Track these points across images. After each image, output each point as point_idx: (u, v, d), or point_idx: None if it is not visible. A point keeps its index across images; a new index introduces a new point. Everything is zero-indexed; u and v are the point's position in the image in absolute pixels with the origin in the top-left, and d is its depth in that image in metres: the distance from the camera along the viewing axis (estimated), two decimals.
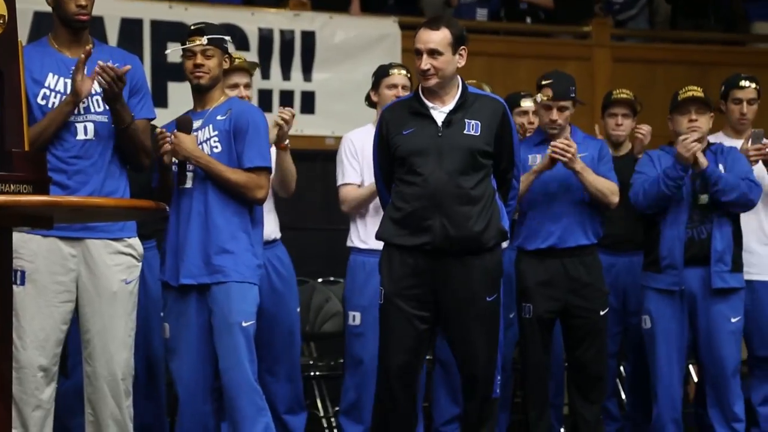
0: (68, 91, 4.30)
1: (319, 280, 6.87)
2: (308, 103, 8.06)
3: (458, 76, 4.64)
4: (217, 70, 4.77)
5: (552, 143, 5.41)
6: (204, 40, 4.74)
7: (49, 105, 4.30)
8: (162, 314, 4.92)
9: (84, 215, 3.56)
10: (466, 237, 4.53)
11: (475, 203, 4.55)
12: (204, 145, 4.73)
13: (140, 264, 4.51)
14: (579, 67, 8.54)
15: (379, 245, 4.73)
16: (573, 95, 5.50)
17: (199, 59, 4.74)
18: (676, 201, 5.55)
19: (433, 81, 4.54)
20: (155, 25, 7.73)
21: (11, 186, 2.91)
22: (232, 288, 4.66)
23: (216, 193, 4.68)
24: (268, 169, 4.80)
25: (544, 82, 5.50)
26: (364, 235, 5.47)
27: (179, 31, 7.65)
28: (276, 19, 8.09)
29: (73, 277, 4.34)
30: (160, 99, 7.22)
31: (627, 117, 6.11)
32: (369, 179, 5.31)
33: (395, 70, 5.57)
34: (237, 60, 5.26)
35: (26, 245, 4.23)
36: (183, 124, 4.70)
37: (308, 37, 8.07)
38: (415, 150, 4.55)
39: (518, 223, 5.62)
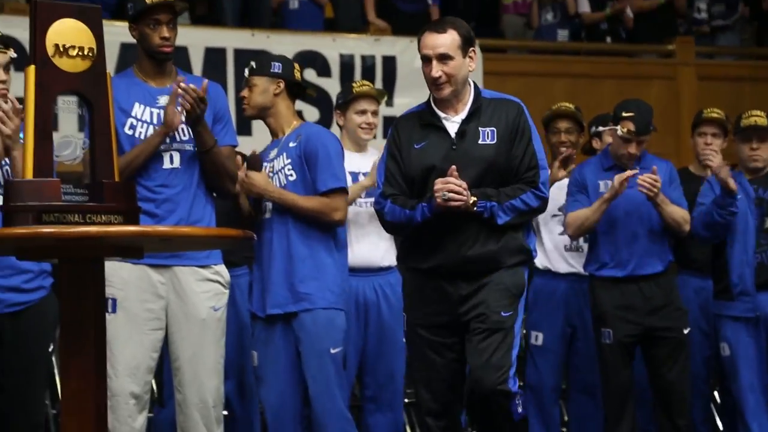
0: (154, 121, 4.37)
1: None
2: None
3: (470, 81, 4.31)
4: (260, 98, 4.74)
5: (640, 177, 5.31)
6: (245, 72, 4.76)
7: (136, 135, 4.37)
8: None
9: (173, 244, 3.59)
10: (481, 257, 4.21)
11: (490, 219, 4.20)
12: (279, 174, 4.72)
13: (227, 291, 4.53)
14: (663, 87, 8.46)
15: None
16: (653, 128, 5.45)
17: (244, 92, 4.78)
18: (742, 226, 5.46)
19: (447, 90, 4.20)
20: (238, 53, 7.82)
21: (102, 216, 2.92)
22: (319, 315, 4.64)
23: (295, 222, 4.66)
24: (344, 190, 4.75)
25: (625, 115, 5.40)
26: None
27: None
28: (357, 45, 8.13)
29: (163, 304, 4.38)
30: (244, 127, 7.26)
31: (717, 137, 5.99)
32: None
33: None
34: (365, 87, 5.30)
35: (117, 273, 4.28)
36: (252, 161, 4.72)
37: (389, 62, 8.09)
38: (428, 166, 4.21)
39: (590, 248, 5.58)
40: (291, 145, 4.72)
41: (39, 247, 2.95)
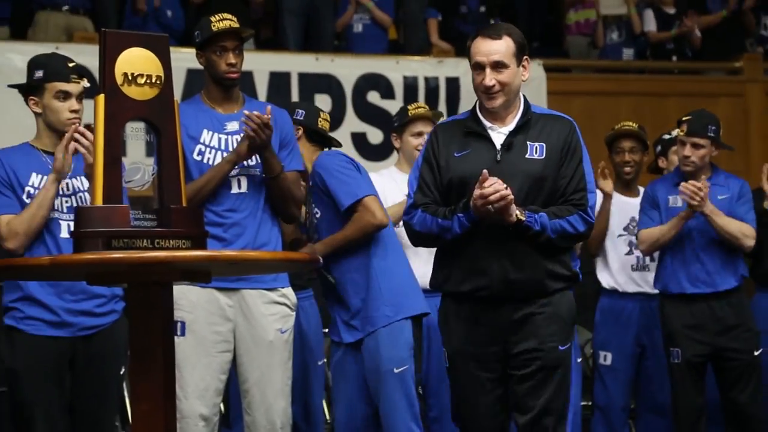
0: (222, 147, 4.41)
1: None
2: None
3: (521, 93, 4.05)
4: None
5: (682, 184, 5.29)
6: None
7: (204, 160, 4.41)
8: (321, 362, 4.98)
9: (240, 268, 3.62)
10: (528, 280, 3.88)
11: (535, 237, 3.87)
12: (315, 217, 4.71)
13: (294, 313, 4.56)
14: (730, 104, 8.37)
15: None
16: (712, 134, 5.37)
17: None
18: None
19: (499, 100, 3.91)
20: (302, 77, 7.88)
21: (171, 241, 2.96)
22: (381, 334, 4.58)
23: (331, 256, 4.60)
24: (367, 198, 4.59)
25: (683, 119, 5.42)
26: None
27: (326, 83, 7.81)
28: (420, 67, 8.15)
29: (231, 327, 4.42)
30: None
31: None
32: None
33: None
34: (420, 109, 5.31)
35: (185, 296, 4.33)
36: (296, 245, 4.76)
37: (452, 83, 8.10)
38: (469, 176, 3.87)
39: (659, 265, 5.53)
40: (309, 184, 4.73)
41: (109, 272, 2.99)
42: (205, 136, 4.44)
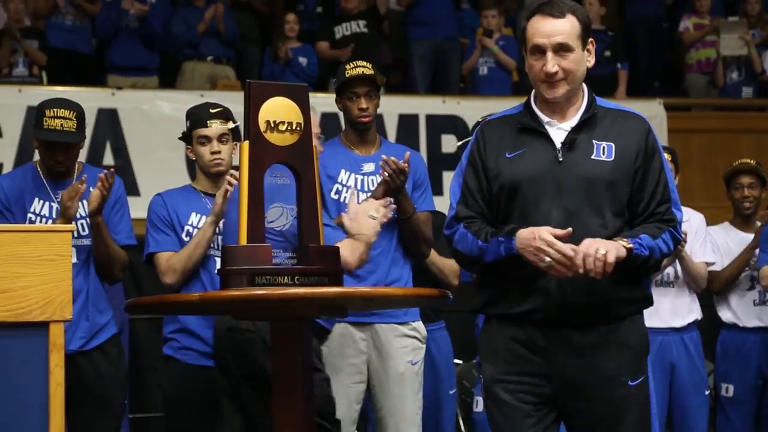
0: (359, 186, 4.46)
1: None
2: None
3: (584, 84, 3.28)
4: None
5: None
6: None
7: (341, 199, 4.46)
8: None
9: (374, 303, 3.65)
10: (591, 303, 3.12)
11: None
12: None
13: (424, 346, 4.56)
14: None
15: None
16: None
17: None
18: None
19: (562, 90, 3.17)
20: (430, 119, 7.92)
21: (310, 278, 3.00)
22: None
23: None
24: None
25: None
26: None
27: (453, 124, 7.84)
28: None
29: (365, 359, 4.44)
30: (436, 187, 7.34)
31: None
32: None
33: None
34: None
35: None
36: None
37: None
38: (524, 179, 3.16)
39: None
40: None
41: (253, 307, 3.04)
42: (343, 175, 4.48)
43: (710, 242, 5.50)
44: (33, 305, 2.73)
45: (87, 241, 4.26)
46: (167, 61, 8.49)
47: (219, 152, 4.24)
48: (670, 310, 5.38)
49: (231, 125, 4.27)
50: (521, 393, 3.16)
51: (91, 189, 4.13)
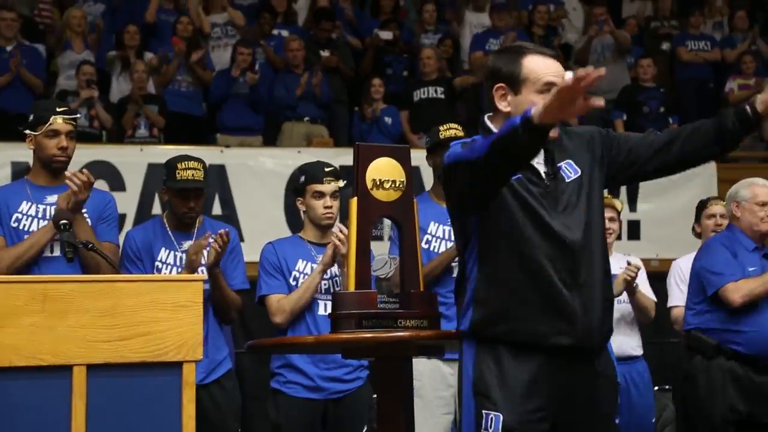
0: (445, 236, 4.41)
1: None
2: (634, 231, 7.89)
3: None
4: None
5: None
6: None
7: (431, 248, 4.42)
8: None
9: None
10: (606, 330, 2.68)
11: (607, 276, 2.70)
12: None
13: None
14: None
15: None
16: None
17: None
18: None
19: (557, 129, 2.81)
20: None
21: (411, 321, 2.98)
22: None
23: None
24: None
25: None
26: None
27: None
28: None
29: (453, 392, 4.36)
30: None
31: None
32: None
33: (713, 203, 5.39)
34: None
35: (414, 366, 4.28)
36: None
37: None
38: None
39: None
40: None
41: (360, 348, 3.02)
42: (432, 227, 4.45)
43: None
44: (169, 347, 2.74)
45: (206, 286, 4.26)
46: (270, 123, 8.56)
47: (330, 207, 4.23)
48: None
49: (342, 183, 4.27)
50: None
51: (210, 240, 4.15)
